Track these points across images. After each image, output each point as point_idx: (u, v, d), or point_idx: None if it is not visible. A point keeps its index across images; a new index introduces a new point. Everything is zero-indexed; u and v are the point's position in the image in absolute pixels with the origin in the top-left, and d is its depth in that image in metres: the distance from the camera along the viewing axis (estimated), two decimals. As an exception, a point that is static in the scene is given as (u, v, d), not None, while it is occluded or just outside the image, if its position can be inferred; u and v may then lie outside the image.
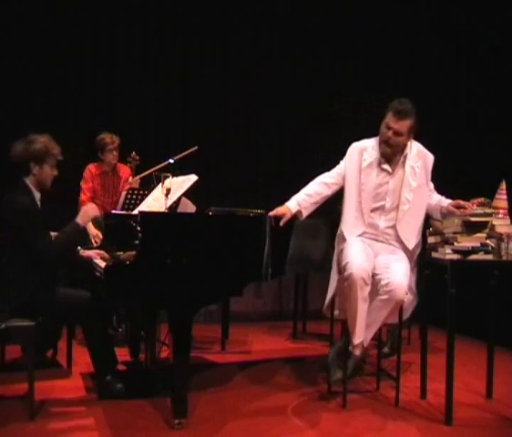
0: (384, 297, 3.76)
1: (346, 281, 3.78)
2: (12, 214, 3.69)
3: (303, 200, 4.01)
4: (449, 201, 3.86)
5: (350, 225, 3.98)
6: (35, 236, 3.65)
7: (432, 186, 4.06)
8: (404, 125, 3.84)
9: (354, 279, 3.72)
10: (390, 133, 3.85)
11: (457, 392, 3.72)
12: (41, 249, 3.66)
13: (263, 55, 6.87)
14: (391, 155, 3.92)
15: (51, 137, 3.83)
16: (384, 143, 3.89)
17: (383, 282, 3.77)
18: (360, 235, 3.96)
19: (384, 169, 3.95)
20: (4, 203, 3.75)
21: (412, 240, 3.94)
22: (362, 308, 3.76)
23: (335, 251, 4.13)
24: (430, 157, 4.02)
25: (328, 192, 4.07)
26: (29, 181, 3.78)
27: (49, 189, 3.88)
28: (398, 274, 3.77)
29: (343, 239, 3.98)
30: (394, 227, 3.95)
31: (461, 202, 3.77)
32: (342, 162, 4.10)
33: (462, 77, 6.41)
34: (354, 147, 4.06)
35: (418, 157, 3.97)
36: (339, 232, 4.08)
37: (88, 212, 3.88)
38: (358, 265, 3.74)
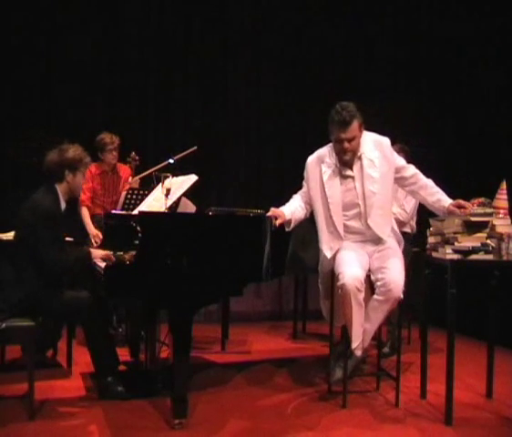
0: (381, 297, 3.76)
1: (340, 290, 3.77)
2: (31, 212, 3.72)
3: (295, 213, 4.00)
4: (450, 201, 3.81)
5: (327, 241, 3.94)
6: (43, 242, 3.66)
7: (403, 163, 3.96)
8: (354, 128, 3.78)
9: (347, 290, 3.71)
10: (345, 144, 3.79)
11: (457, 392, 3.72)
12: (43, 258, 3.68)
13: (263, 54, 6.87)
14: (353, 159, 3.85)
15: (81, 147, 3.94)
16: (343, 154, 3.83)
17: (379, 283, 3.77)
18: (348, 241, 3.94)
19: (346, 175, 3.90)
20: (27, 202, 3.79)
21: (385, 229, 3.92)
22: (357, 313, 3.76)
23: (320, 261, 4.10)
24: (386, 142, 3.92)
25: (307, 214, 4.09)
26: (60, 188, 3.84)
27: (77, 198, 3.96)
28: (394, 272, 3.76)
29: (326, 257, 3.95)
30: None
31: (461, 202, 3.73)
32: (304, 183, 4.08)
33: (462, 77, 6.41)
34: (311, 162, 4.02)
35: (374, 147, 3.89)
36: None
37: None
38: (350, 274, 3.72)
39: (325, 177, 3.92)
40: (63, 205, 3.86)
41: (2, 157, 5.87)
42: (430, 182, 3.94)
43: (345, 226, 3.91)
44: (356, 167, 3.88)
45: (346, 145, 3.79)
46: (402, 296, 3.76)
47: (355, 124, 3.78)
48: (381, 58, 6.89)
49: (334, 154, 3.91)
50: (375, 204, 3.86)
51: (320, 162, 3.96)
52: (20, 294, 3.68)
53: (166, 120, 6.63)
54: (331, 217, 3.90)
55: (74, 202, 4.02)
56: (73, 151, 3.86)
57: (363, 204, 3.87)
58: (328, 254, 3.92)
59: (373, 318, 3.81)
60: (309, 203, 4.06)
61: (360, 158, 3.88)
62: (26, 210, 3.76)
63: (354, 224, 3.92)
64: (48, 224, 3.68)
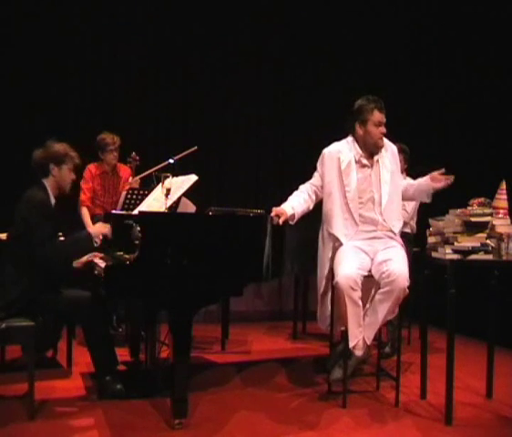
0: (386, 288, 3.77)
1: (335, 288, 3.83)
2: (24, 206, 3.74)
3: (297, 207, 4.06)
4: (426, 178, 4.02)
5: (341, 228, 4.00)
6: (38, 235, 3.66)
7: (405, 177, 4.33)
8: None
9: (341, 288, 3.77)
10: (382, 128, 4.01)
11: (457, 392, 3.72)
12: (35, 242, 3.66)
13: (264, 54, 6.88)
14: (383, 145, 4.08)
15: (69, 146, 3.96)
16: (381, 138, 4.02)
17: (384, 275, 3.79)
18: (360, 236, 3.97)
19: (364, 165, 4.04)
20: (20, 199, 3.80)
21: (397, 224, 4.04)
22: (353, 312, 3.79)
23: (319, 254, 4.17)
24: (395, 148, 4.18)
25: (311, 206, 4.16)
26: (48, 183, 3.85)
27: (68, 193, 3.96)
28: (398, 263, 3.79)
29: (340, 244, 3.99)
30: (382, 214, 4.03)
31: (436, 175, 3.96)
32: (316, 174, 4.16)
33: (462, 77, 6.41)
34: (328, 153, 4.13)
35: (385, 148, 4.10)
36: (326, 235, 4.11)
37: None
38: (343, 273, 3.77)
39: (343, 166, 4.04)
40: (53, 200, 3.87)
41: (2, 158, 5.87)
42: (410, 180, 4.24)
43: (360, 216, 4.00)
44: (374, 161, 4.07)
45: (383, 129, 4.02)
46: (407, 287, 3.77)
47: None
48: (380, 58, 6.89)
49: (355, 144, 4.06)
50: (388, 195, 4.00)
51: (337, 153, 4.09)
52: (17, 292, 3.68)
53: (166, 120, 6.64)
54: (347, 204, 4.00)
55: (62, 200, 3.98)
56: (58, 146, 3.88)
57: (378, 193, 4.00)
58: (343, 240, 3.98)
59: (378, 311, 3.82)
60: (317, 193, 4.15)
61: (376, 153, 4.08)
62: (21, 206, 3.77)
63: (369, 213, 4.00)
64: (42, 216, 3.70)
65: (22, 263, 3.72)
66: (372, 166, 4.04)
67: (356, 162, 4.03)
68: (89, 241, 3.81)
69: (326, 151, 4.13)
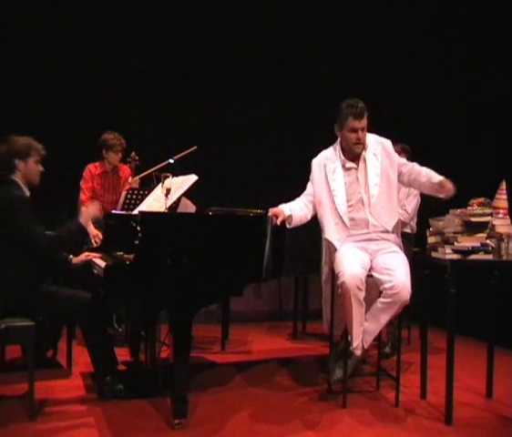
0: (388, 300, 3.73)
1: (340, 289, 3.79)
2: (6, 207, 3.70)
3: (295, 209, 4.04)
4: (440, 178, 3.84)
5: (333, 233, 3.99)
6: (33, 226, 3.67)
7: (403, 161, 4.12)
8: (365, 119, 3.95)
9: (347, 288, 3.72)
10: (359, 134, 3.95)
11: (457, 392, 3.72)
12: (38, 240, 3.68)
13: (264, 54, 6.88)
14: (361, 151, 3.99)
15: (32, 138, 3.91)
16: (356, 145, 3.97)
17: (387, 285, 3.74)
18: (352, 239, 3.96)
19: (349, 168, 4.02)
20: None
21: (390, 222, 3.97)
22: (357, 312, 3.76)
23: (322, 259, 4.15)
24: (388, 142, 4.08)
25: (309, 215, 4.12)
26: (17, 178, 3.81)
27: (38, 185, 3.90)
28: (401, 275, 3.75)
29: (334, 249, 3.97)
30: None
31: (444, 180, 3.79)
32: (309, 185, 4.16)
33: (462, 77, 6.42)
34: (316, 162, 4.14)
35: (376, 144, 4.04)
36: (324, 241, 4.10)
37: (89, 211, 3.92)
38: (349, 273, 3.73)
39: (329, 172, 4.04)
40: (27, 193, 3.83)
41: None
42: (424, 168, 4.01)
43: (351, 219, 3.97)
44: (362, 161, 4.01)
45: (360, 134, 3.95)
46: (408, 300, 3.74)
47: (366, 115, 3.96)
48: (379, 57, 6.89)
49: (340, 150, 4.04)
50: (377, 196, 3.95)
51: (324, 160, 4.09)
52: (14, 290, 3.68)
53: (166, 120, 6.64)
54: (336, 209, 3.98)
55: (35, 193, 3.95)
56: (21, 140, 3.83)
57: (367, 195, 3.96)
58: (337, 245, 3.95)
59: (379, 319, 3.79)
60: (313, 202, 4.11)
61: (364, 152, 4.01)
62: (0, 206, 3.73)
63: (359, 215, 3.96)
64: (26, 210, 3.69)
65: (16, 261, 3.72)
66: (358, 167, 3.99)
67: (342, 167, 4.02)
68: (79, 227, 3.84)
69: (314, 161, 4.15)
